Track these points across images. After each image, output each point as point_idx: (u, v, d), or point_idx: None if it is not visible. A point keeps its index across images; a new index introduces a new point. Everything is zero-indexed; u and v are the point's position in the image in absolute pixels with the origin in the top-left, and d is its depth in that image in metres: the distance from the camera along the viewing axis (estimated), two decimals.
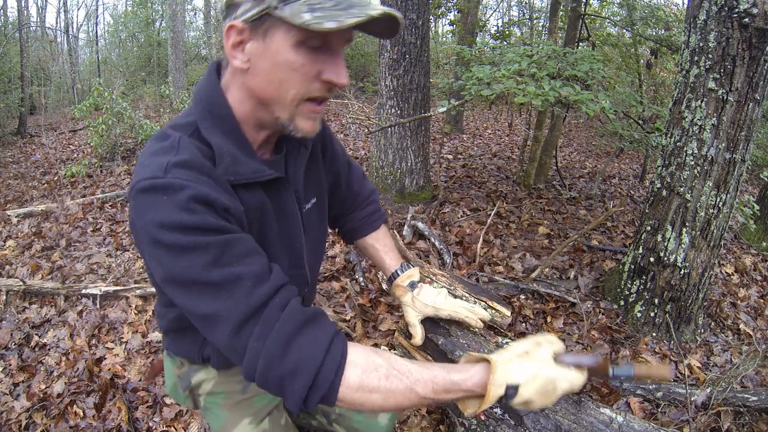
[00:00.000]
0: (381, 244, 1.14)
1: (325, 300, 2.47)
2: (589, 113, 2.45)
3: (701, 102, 1.95)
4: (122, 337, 2.28)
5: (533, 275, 2.66)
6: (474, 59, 3.57)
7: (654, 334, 2.21)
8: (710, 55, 1.88)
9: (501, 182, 4.66)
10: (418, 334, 1.12)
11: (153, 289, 2.46)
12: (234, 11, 0.67)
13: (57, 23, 17.61)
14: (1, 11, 11.88)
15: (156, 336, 2.27)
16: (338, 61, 0.69)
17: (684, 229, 2.09)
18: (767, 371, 1.99)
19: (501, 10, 15.07)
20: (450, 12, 8.04)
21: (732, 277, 2.91)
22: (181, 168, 0.65)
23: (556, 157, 4.83)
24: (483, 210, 3.73)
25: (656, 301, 2.21)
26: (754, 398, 1.70)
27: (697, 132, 1.98)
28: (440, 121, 7.79)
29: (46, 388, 1.98)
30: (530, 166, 4.40)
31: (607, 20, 6.80)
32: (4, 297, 2.63)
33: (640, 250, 2.26)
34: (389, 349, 1.91)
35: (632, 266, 2.31)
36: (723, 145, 1.94)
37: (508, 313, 1.34)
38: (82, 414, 1.83)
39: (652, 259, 2.19)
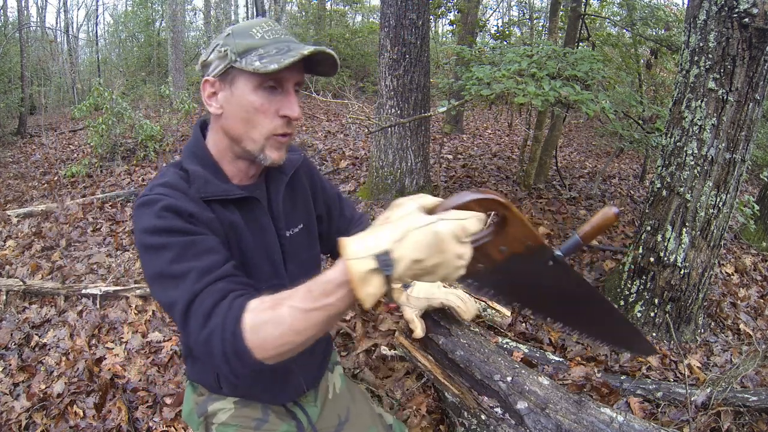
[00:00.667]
0: None
1: None
2: (589, 113, 2.45)
3: (701, 102, 1.95)
4: (122, 337, 2.28)
5: None
6: (474, 59, 3.57)
7: (654, 334, 2.21)
8: (710, 55, 1.88)
9: (501, 182, 4.66)
10: (417, 327, 1.17)
11: None
12: (207, 69, 0.85)
13: (57, 23, 17.63)
14: (1, 11, 11.88)
15: (156, 336, 2.28)
16: (291, 98, 0.84)
17: (684, 229, 2.09)
18: (767, 371, 1.99)
19: (501, 10, 15.10)
20: (450, 12, 8.04)
21: (732, 277, 2.92)
22: (161, 187, 0.83)
23: (556, 157, 4.83)
24: None
25: (656, 301, 2.21)
26: (754, 398, 1.70)
27: (697, 132, 1.98)
28: (440, 121, 7.79)
29: (46, 388, 1.98)
30: (530, 166, 4.40)
31: (607, 20, 6.81)
32: (4, 297, 2.63)
33: (640, 250, 2.26)
34: (389, 350, 1.92)
35: (632, 266, 2.31)
36: (723, 145, 1.94)
37: (508, 313, 1.35)
38: (82, 414, 1.83)
39: (652, 259, 2.20)
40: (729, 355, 2.13)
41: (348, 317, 2.30)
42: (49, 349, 2.24)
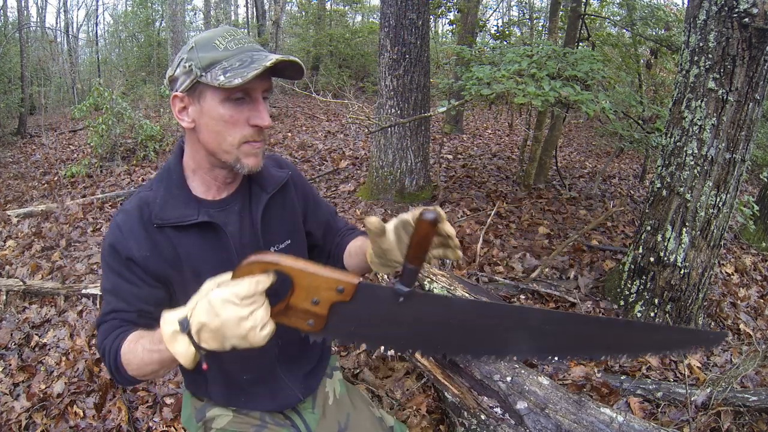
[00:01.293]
0: (360, 241, 1.14)
1: None
2: (589, 113, 2.45)
3: (701, 102, 1.95)
4: None
5: (533, 275, 2.66)
6: (474, 59, 3.57)
7: None
8: (710, 55, 1.88)
9: (501, 182, 4.66)
10: None
11: None
12: (175, 85, 0.86)
13: (57, 23, 17.64)
14: (1, 11, 11.88)
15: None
16: (260, 107, 0.85)
17: (684, 229, 2.09)
18: (767, 371, 1.99)
19: (501, 10, 15.08)
20: (450, 12, 8.03)
21: (732, 277, 2.91)
22: (122, 214, 0.91)
23: (556, 157, 4.83)
24: (483, 210, 3.73)
25: (656, 301, 2.21)
26: (754, 398, 1.70)
27: (697, 132, 1.98)
28: (440, 121, 7.79)
29: (46, 388, 1.97)
30: (530, 166, 4.40)
31: (607, 20, 6.81)
32: (4, 297, 2.63)
33: (640, 250, 2.26)
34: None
35: (632, 266, 2.31)
36: (723, 145, 1.94)
37: None
38: (82, 414, 1.83)
39: (652, 259, 2.20)
40: (729, 355, 2.13)
41: None
42: (49, 349, 2.24)
